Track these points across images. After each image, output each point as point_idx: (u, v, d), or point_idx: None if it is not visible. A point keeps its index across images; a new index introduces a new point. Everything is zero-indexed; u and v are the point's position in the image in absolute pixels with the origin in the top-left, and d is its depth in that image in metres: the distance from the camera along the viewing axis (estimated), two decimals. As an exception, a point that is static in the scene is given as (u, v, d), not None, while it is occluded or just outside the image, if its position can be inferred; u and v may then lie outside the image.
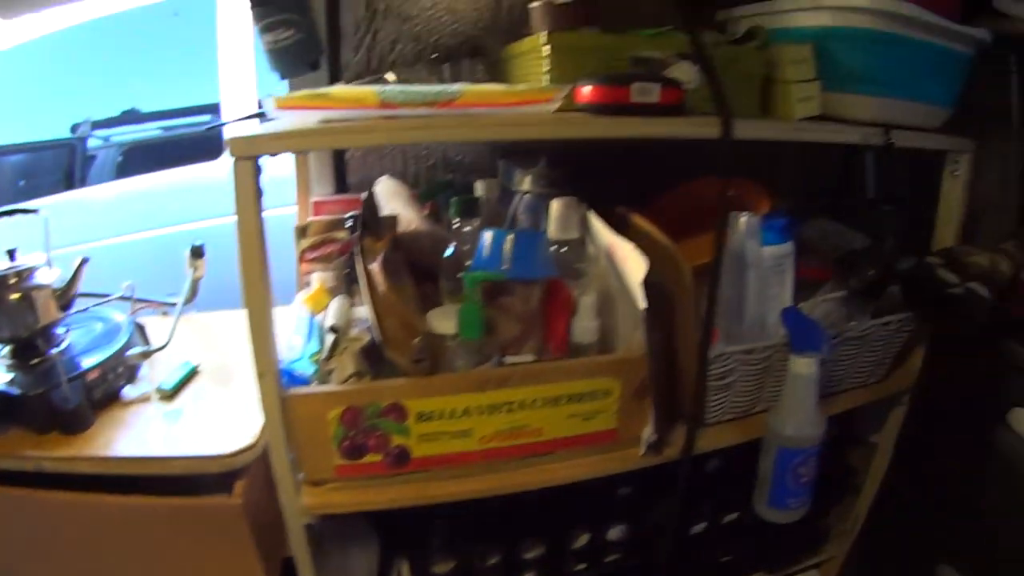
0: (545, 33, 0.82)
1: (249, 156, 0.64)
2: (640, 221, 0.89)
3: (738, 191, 0.97)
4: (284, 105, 0.68)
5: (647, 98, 0.77)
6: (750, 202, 0.96)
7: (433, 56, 1.08)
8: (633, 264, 0.81)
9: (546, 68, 0.82)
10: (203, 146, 1.73)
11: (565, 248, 0.91)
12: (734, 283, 0.86)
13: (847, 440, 1.18)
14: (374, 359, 0.80)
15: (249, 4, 1.11)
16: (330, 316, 0.92)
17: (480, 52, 1.01)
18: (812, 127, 0.89)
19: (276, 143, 0.66)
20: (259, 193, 0.66)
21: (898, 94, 0.96)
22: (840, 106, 0.96)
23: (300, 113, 0.70)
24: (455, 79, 0.98)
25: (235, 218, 0.65)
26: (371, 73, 1.10)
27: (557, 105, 0.78)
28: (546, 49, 0.81)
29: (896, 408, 1.10)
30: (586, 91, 0.77)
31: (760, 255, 0.86)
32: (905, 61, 0.94)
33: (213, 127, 1.01)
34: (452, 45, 1.07)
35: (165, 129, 2.10)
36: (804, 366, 0.83)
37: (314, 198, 1.13)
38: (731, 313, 0.87)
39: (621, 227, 0.93)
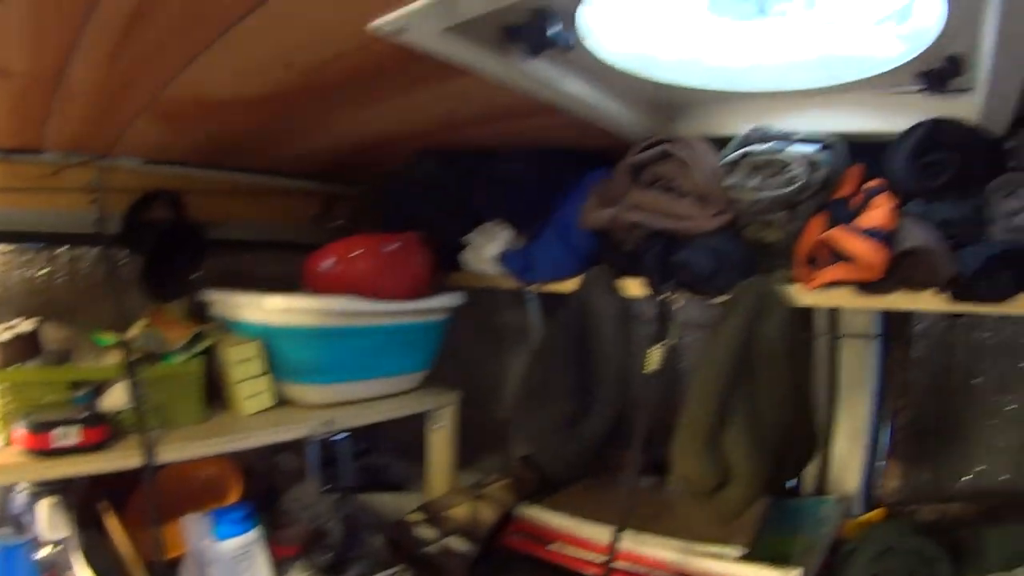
0: (-7, 371, 0.89)
1: None
2: (111, 520, 0.97)
3: (214, 471, 1.07)
4: None
5: (68, 441, 0.86)
6: (222, 485, 1.05)
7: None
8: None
9: (-2, 401, 0.89)
10: None
11: (60, 547, 0.97)
12: (200, 576, 0.95)
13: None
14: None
15: None
16: None
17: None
18: (249, 431, 0.98)
19: None
20: None
21: (355, 377, 1.08)
22: (297, 395, 1.07)
23: None
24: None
25: None
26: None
27: (-2, 450, 0.86)
28: (-5, 384, 0.89)
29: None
30: (16, 435, 0.85)
31: (218, 551, 0.95)
32: (356, 348, 1.06)
33: None
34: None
35: None
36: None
37: None
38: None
39: (99, 525, 1.01)
